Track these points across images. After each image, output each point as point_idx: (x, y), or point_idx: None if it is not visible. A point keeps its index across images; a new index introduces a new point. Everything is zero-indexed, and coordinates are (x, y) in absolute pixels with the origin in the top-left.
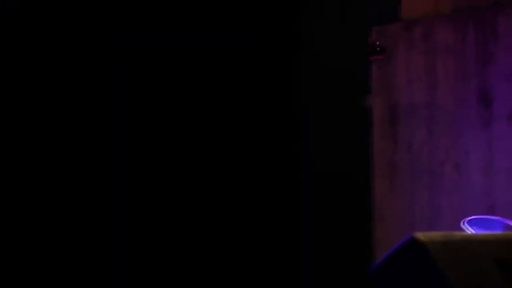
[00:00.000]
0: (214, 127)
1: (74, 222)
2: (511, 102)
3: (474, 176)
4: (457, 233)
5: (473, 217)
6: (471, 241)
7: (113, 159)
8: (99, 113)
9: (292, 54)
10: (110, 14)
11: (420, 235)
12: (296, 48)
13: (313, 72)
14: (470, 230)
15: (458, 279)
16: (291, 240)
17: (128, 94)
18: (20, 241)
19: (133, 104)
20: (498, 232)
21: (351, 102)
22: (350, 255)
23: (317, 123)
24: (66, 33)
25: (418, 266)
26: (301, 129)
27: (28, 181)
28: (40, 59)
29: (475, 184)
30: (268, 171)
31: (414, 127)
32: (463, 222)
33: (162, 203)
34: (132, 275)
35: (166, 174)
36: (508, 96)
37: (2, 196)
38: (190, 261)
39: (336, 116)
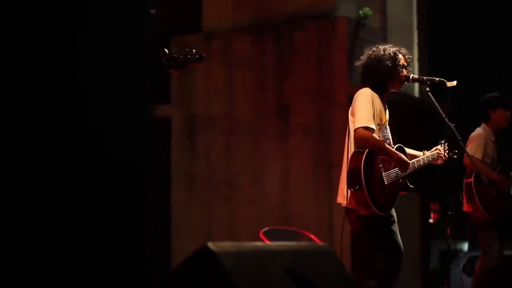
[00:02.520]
0: None
1: None
2: (307, 115)
3: (271, 188)
4: (249, 244)
5: (269, 228)
6: (262, 252)
7: None
8: None
9: (68, 56)
10: None
11: (212, 245)
12: (74, 49)
13: (94, 77)
14: (266, 241)
15: None
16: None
17: None
18: None
19: None
20: (291, 242)
21: (138, 111)
22: (144, 265)
23: (98, 129)
24: None
25: (210, 276)
26: (76, 135)
27: None
28: None
29: (272, 195)
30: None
31: (212, 139)
32: (260, 233)
33: None
34: None
35: None
36: (305, 109)
37: None
38: None
39: (121, 123)
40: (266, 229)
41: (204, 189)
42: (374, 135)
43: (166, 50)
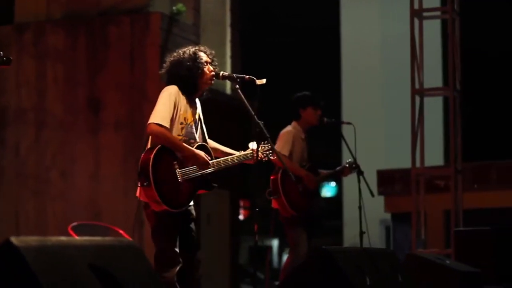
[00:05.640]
0: None
1: None
2: (119, 110)
3: (81, 183)
4: (53, 238)
5: (77, 222)
6: (66, 246)
7: None
8: None
9: None
10: None
11: (15, 239)
12: None
13: None
14: (74, 236)
15: (51, 283)
16: None
17: None
18: None
19: None
20: (96, 238)
21: None
22: None
23: None
24: None
25: (13, 270)
26: None
27: None
28: None
29: (82, 191)
30: None
31: (22, 132)
32: (68, 228)
33: None
34: None
35: None
36: (117, 104)
37: None
38: None
39: None
40: (74, 224)
41: (13, 183)
42: (167, 131)
43: None
